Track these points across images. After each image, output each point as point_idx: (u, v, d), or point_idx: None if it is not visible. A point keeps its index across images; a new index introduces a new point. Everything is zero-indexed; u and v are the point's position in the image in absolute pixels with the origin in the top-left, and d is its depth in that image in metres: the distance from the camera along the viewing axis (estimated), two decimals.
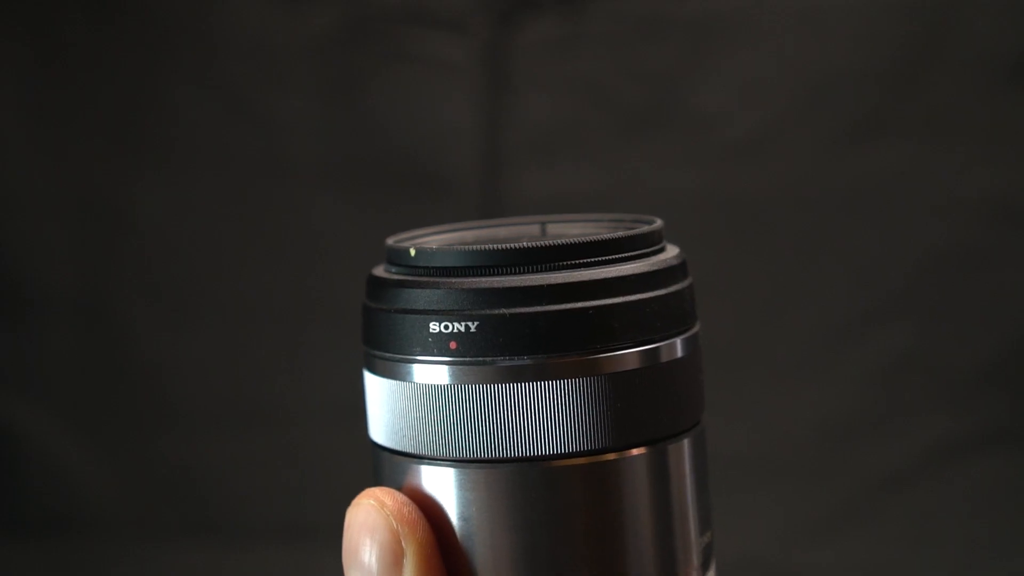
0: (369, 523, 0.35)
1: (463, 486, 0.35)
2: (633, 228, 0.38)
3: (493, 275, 0.35)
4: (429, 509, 0.35)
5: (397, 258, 0.37)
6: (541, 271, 0.34)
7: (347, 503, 1.01)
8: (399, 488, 0.36)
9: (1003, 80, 0.83)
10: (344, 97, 0.87)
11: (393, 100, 0.86)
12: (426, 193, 0.86)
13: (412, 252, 0.36)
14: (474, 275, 0.35)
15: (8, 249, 0.87)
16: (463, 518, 0.35)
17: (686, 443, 0.37)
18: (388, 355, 0.36)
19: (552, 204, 0.86)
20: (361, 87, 0.86)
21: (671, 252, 0.38)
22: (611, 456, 0.35)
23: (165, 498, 0.88)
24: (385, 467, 0.37)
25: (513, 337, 0.34)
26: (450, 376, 0.35)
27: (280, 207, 0.87)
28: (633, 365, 0.35)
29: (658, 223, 0.38)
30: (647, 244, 0.37)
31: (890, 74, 0.85)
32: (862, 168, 0.84)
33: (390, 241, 0.38)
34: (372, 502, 0.35)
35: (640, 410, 0.35)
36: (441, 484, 0.35)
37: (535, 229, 0.42)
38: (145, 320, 0.88)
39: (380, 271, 0.38)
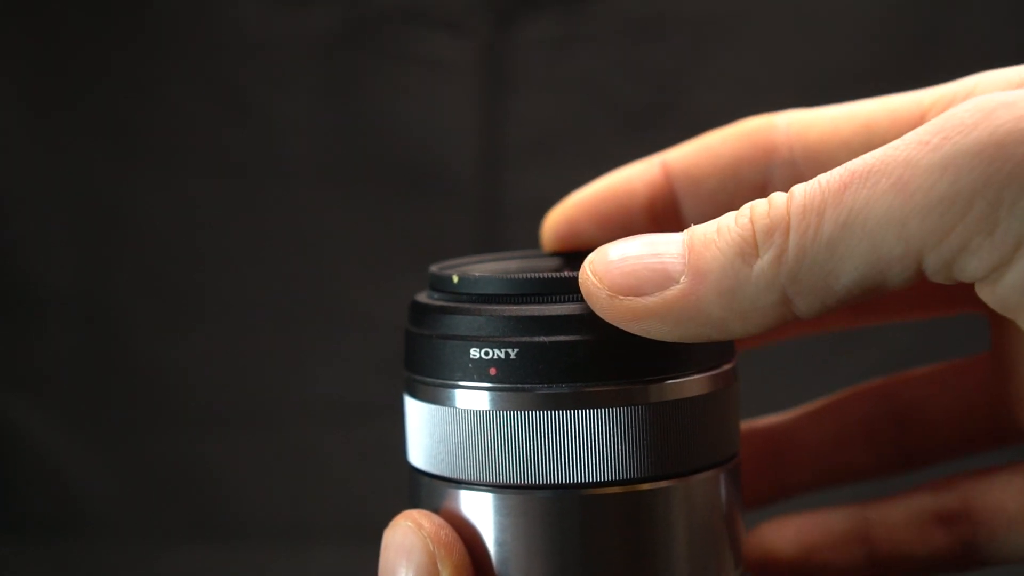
0: (406, 545, 0.35)
1: (500, 511, 0.35)
2: None
3: (533, 303, 0.35)
4: (465, 533, 0.36)
5: (440, 285, 0.38)
6: (581, 300, 0.35)
7: (346, 503, 1.00)
8: (436, 512, 0.36)
9: None
10: (344, 97, 0.87)
11: (393, 100, 0.86)
12: (426, 193, 0.86)
13: (455, 279, 0.36)
14: (515, 303, 0.35)
15: (8, 249, 0.87)
16: (499, 543, 0.35)
17: (722, 476, 0.37)
18: (429, 380, 0.36)
19: (552, 204, 0.86)
20: (361, 87, 0.86)
21: None
22: (647, 486, 0.35)
23: (165, 498, 0.88)
24: (423, 491, 0.37)
25: (552, 365, 0.34)
26: (490, 402, 0.35)
27: (280, 207, 0.87)
28: (672, 396, 0.35)
29: None
30: None
31: (890, 74, 0.84)
32: None
33: (434, 268, 0.39)
34: (409, 524, 0.35)
35: (677, 441, 0.35)
36: (478, 509, 0.36)
37: (579, 261, 0.42)
38: (145, 320, 0.88)
39: (423, 297, 0.38)
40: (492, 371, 0.35)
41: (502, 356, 0.35)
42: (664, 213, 0.44)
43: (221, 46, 0.87)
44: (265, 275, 0.88)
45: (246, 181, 0.87)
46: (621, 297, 0.33)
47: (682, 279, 0.32)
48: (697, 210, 0.44)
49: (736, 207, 0.40)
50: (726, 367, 0.38)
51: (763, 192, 0.43)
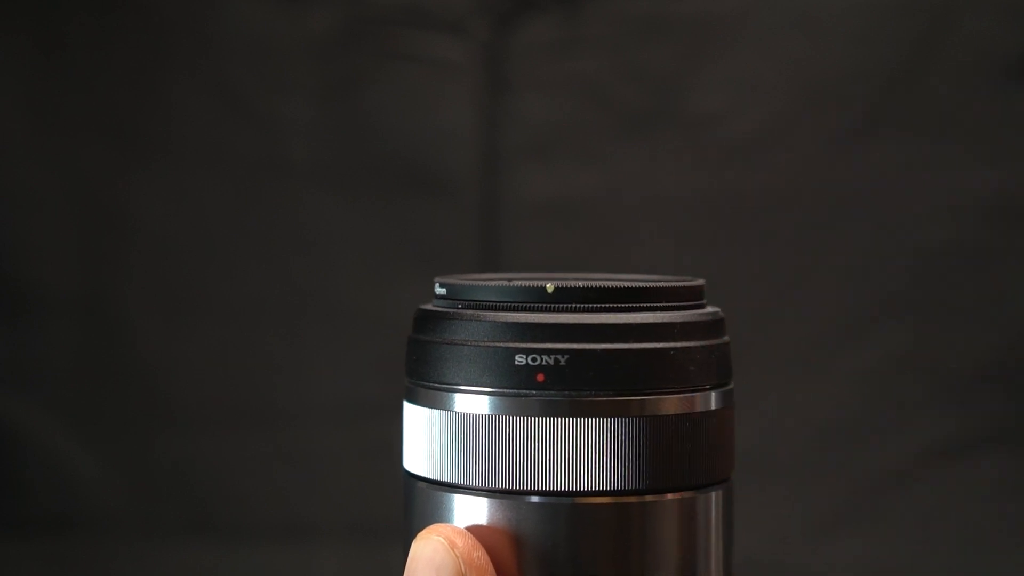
0: (436, 561, 0.34)
1: (492, 516, 0.35)
2: (676, 281, 0.38)
3: (536, 311, 0.35)
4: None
5: (450, 292, 0.38)
6: (583, 311, 0.35)
7: (346, 502, 1.00)
8: (430, 517, 0.37)
9: (1003, 80, 0.83)
10: (344, 97, 0.87)
11: (392, 101, 0.86)
12: (425, 193, 0.86)
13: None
14: (517, 310, 0.36)
15: (8, 249, 0.87)
16: (490, 549, 0.35)
17: (715, 496, 0.37)
18: (431, 384, 0.37)
19: (551, 205, 0.86)
20: (360, 88, 0.86)
21: (712, 309, 0.39)
22: (637, 498, 0.35)
23: (165, 498, 0.88)
24: (418, 496, 0.37)
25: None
26: (489, 407, 0.35)
27: (279, 207, 0.87)
28: (671, 411, 0.35)
29: (700, 281, 0.39)
30: (692, 296, 0.38)
31: (890, 74, 0.85)
32: (861, 168, 0.84)
33: (439, 279, 0.39)
34: (442, 540, 0.35)
35: (674, 456, 0.35)
36: (472, 514, 0.36)
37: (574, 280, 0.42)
38: (145, 319, 0.88)
39: (429, 306, 0.38)
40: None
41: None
42: None
43: (221, 46, 0.87)
44: (264, 274, 0.88)
45: (245, 181, 0.87)
46: None
47: None
48: None
49: None
50: (723, 388, 0.38)
51: None
